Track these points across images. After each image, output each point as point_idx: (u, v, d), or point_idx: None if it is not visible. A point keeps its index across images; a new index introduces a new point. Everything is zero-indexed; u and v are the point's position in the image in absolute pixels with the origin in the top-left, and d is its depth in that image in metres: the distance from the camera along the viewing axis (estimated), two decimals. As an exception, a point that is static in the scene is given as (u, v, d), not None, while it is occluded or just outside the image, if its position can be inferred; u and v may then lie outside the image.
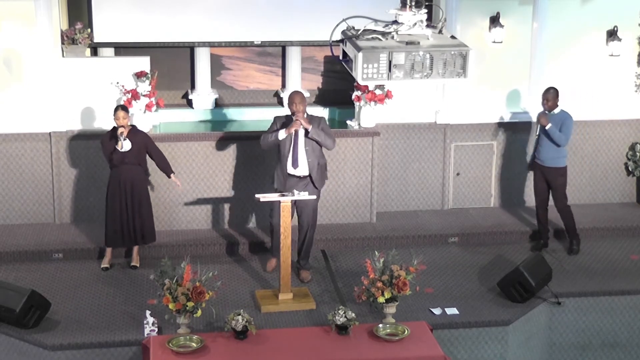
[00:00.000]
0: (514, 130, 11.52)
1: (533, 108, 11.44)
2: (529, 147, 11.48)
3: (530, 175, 11.62)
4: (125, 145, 9.69)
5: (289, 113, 9.62)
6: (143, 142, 9.84)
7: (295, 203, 9.54)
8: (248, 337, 8.46)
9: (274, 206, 9.58)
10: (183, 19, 11.15)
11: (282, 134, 9.51)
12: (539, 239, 10.81)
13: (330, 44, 7.59)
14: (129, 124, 9.81)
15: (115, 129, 9.73)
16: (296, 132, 9.53)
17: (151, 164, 10.16)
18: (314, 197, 9.51)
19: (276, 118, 9.81)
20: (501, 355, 9.16)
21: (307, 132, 9.50)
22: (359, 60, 7.14)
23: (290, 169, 9.63)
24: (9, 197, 10.84)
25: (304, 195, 9.23)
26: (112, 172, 9.83)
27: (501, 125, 11.52)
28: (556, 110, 10.35)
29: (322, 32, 8.47)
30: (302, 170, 9.62)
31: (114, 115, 9.68)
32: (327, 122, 9.86)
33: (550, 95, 10.32)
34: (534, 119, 11.38)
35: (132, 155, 9.74)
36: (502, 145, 11.58)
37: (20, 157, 10.76)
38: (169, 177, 10.05)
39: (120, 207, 9.80)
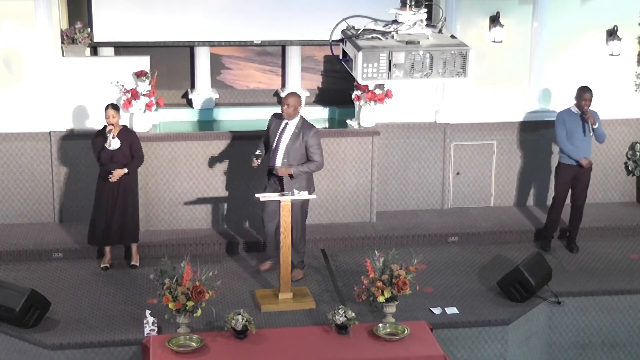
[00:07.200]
0: (513, 130, 11.51)
1: (533, 107, 11.44)
2: (529, 147, 11.52)
3: (530, 175, 11.64)
4: (114, 143, 9.66)
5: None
6: (130, 141, 9.78)
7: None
8: (248, 337, 8.47)
9: (266, 203, 9.55)
10: (183, 19, 11.15)
11: None
12: (544, 238, 10.77)
13: (330, 44, 7.58)
14: (120, 124, 9.79)
15: (105, 127, 9.72)
16: (280, 137, 9.49)
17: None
18: (314, 196, 9.49)
19: (273, 115, 9.81)
20: (501, 354, 9.16)
21: (291, 176, 9.45)
22: (358, 59, 7.13)
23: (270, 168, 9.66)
24: (9, 197, 10.83)
25: (303, 195, 9.22)
26: (101, 170, 9.80)
27: (501, 124, 11.51)
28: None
29: (322, 31, 8.46)
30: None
31: (105, 113, 9.67)
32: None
33: (591, 95, 10.33)
34: (534, 118, 11.42)
35: (121, 154, 9.70)
36: (502, 144, 11.57)
37: (20, 156, 10.75)
38: (123, 169, 9.72)
39: (107, 206, 9.77)
